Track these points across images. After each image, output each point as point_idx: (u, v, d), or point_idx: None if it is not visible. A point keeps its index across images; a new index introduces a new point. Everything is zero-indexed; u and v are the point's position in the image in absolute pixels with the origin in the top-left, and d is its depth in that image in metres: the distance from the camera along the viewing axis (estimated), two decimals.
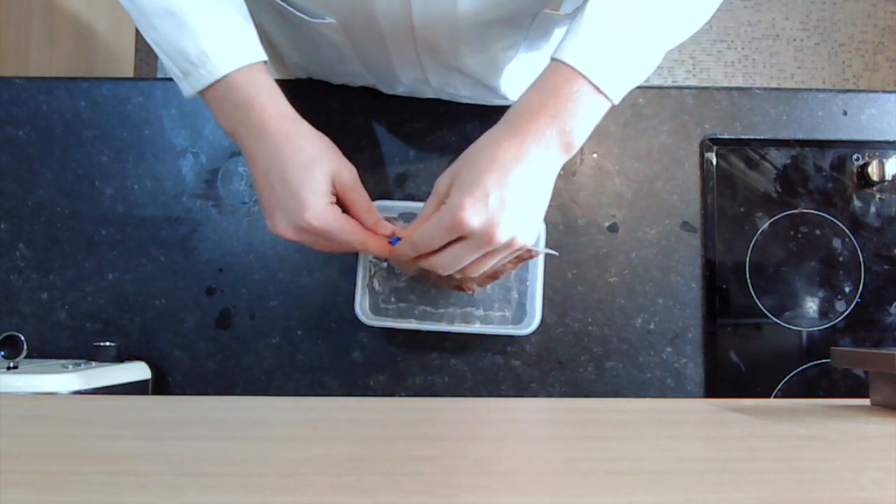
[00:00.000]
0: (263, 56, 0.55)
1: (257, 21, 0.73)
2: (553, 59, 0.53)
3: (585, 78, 0.51)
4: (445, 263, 0.54)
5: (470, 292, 0.70)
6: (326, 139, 0.57)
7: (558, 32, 0.65)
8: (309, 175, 0.54)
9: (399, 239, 0.57)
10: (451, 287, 0.70)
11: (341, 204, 0.58)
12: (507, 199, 0.51)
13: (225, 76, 0.53)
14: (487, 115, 0.77)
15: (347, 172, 0.57)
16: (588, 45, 0.51)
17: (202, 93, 0.54)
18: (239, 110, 0.54)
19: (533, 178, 0.52)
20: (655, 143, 0.78)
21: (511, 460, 0.34)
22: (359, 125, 0.78)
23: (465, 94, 0.74)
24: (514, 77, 0.70)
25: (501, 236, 0.51)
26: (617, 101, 0.53)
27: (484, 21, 0.58)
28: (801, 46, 2.05)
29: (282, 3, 0.61)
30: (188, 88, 0.54)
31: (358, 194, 0.57)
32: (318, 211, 0.54)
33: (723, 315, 0.75)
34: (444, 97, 0.75)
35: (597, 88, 0.51)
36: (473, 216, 0.50)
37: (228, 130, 0.56)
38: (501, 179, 0.50)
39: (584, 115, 0.52)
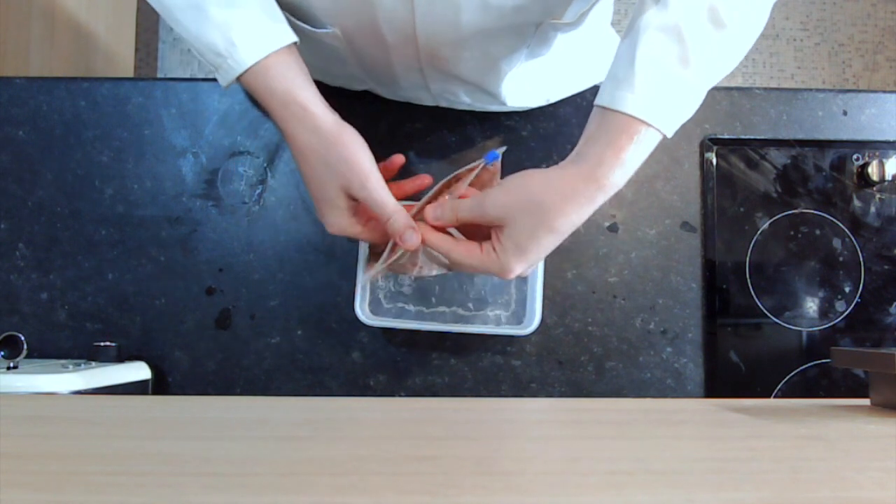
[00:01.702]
0: (290, 38, 0.54)
1: None
2: (614, 111, 0.53)
3: (650, 125, 0.53)
4: (460, 268, 0.60)
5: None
6: (336, 133, 0.56)
7: (559, 39, 0.65)
8: (323, 191, 0.56)
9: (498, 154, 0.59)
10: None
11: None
12: (543, 257, 0.57)
13: (250, 67, 0.53)
14: (487, 117, 0.77)
15: (355, 179, 0.56)
16: (648, 94, 0.53)
17: (240, 81, 0.54)
18: (266, 98, 0.54)
19: (571, 232, 0.56)
20: None
21: (511, 460, 0.34)
22: (358, 126, 0.77)
23: (465, 100, 0.74)
24: (515, 83, 0.70)
25: (513, 275, 0.57)
26: (671, 135, 0.55)
27: (487, 30, 0.58)
28: (801, 46, 2.05)
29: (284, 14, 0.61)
30: (221, 80, 0.54)
31: (368, 193, 0.56)
32: (331, 222, 0.58)
33: (723, 315, 0.75)
34: (443, 104, 0.75)
35: (658, 130, 0.54)
36: (512, 273, 0.56)
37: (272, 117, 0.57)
38: (550, 246, 0.55)
39: (643, 156, 0.55)
